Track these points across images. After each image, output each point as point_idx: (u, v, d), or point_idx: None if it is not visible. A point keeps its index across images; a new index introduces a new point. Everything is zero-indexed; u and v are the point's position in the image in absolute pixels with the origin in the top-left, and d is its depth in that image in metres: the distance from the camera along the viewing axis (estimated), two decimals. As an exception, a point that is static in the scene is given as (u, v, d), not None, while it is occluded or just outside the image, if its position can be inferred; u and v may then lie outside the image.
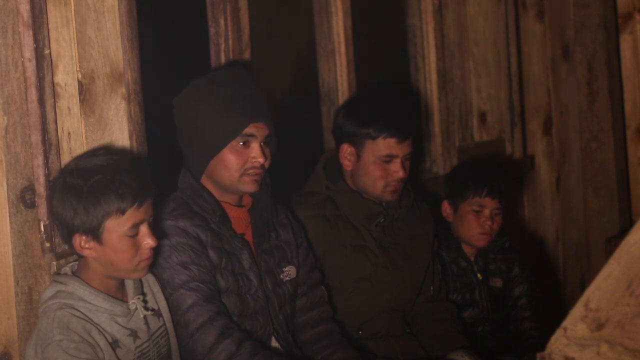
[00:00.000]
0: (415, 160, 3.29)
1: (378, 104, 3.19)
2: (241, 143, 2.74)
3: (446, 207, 3.54)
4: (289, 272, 2.89)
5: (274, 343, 2.82)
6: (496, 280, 3.58)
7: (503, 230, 3.58)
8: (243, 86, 2.76)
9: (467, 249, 3.54)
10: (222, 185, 2.78)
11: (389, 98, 3.25)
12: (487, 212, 3.46)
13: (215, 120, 2.72)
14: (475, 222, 3.47)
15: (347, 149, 3.17)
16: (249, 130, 2.73)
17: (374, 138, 3.11)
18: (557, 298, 4.74)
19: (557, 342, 1.93)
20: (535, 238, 4.68)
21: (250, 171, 2.74)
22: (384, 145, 3.11)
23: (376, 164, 3.13)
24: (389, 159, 3.12)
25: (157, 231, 2.57)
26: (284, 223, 2.94)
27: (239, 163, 2.74)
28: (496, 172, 3.61)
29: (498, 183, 3.49)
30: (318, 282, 3.01)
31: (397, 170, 3.12)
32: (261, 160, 2.74)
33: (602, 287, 1.90)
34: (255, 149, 2.74)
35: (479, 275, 3.54)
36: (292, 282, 2.90)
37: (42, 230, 2.62)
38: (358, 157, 3.15)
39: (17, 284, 2.58)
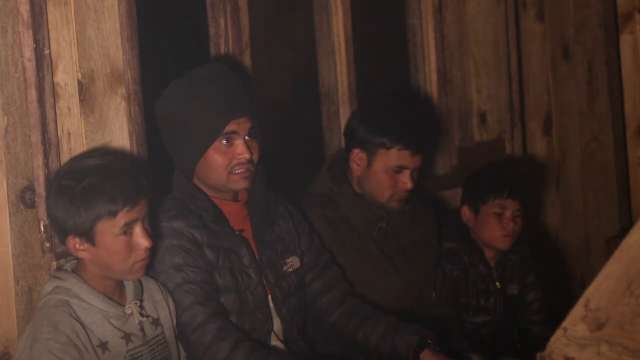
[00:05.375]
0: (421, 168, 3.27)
1: (395, 114, 3.17)
2: (224, 142, 2.71)
3: (466, 212, 3.52)
4: (292, 262, 2.89)
5: (274, 341, 2.82)
6: (513, 287, 3.58)
7: (527, 238, 3.58)
8: (220, 84, 2.73)
9: (488, 254, 3.53)
10: (213, 186, 2.77)
11: (407, 109, 3.24)
12: (508, 213, 3.45)
13: (194, 123, 2.69)
14: (497, 225, 3.46)
15: (358, 154, 3.17)
16: (230, 127, 2.70)
17: (388, 148, 3.12)
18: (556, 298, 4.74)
19: (557, 342, 1.93)
20: (535, 238, 4.68)
21: (237, 168, 2.72)
22: (396, 156, 3.12)
23: (386, 173, 3.14)
24: (400, 169, 3.13)
25: (154, 232, 2.57)
26: (284, 214, 2.94)
27: (224, 162, 2.72)
28: (516, 173, 3.62)
29: (518, 184, 3.49)
30: (330, 263, 3.01)
31: (406, 181, 3.13)
32: (247, 155, 2.71)
33: (602, 287, 1.90)
34: (239, 145, 2.71)
35: (497, 283, 3.54)
36: (296, 273, 2.89)
37: (42, 230, 2.62)
38: (369, 163, 3.15)
39: (17, 284, 2.58)
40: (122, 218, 2.42)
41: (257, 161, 2.77)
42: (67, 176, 2.45)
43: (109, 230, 2.42)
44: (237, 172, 2.73)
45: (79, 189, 2.41)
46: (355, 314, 2.95)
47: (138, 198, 2.44)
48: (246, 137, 2.73)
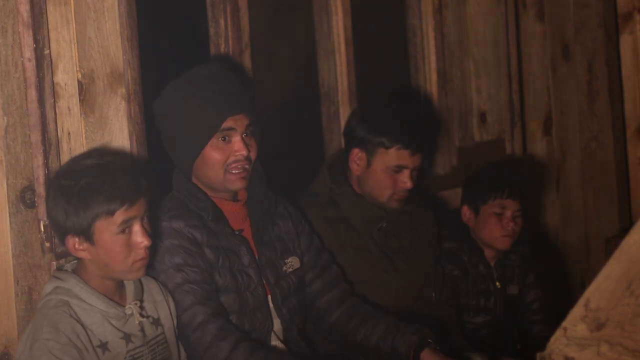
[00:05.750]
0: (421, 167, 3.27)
1: (395, 114, 3.17)
2: (222, 139, 2.70)
3: (466, 212, 3.52)
4: (292, 263, 2.89)
5: (274, 341, 2.82)
6: (513, 287, 3.58)
7: (527, 238, 3.58)
8: (219, 83, 2.73)
9: (488, 254, 3.53)
10: (211, 185, 2.77)
11: (406, 109, 3.24)
12: (508, 213, 3.45)
13: (192, 121, 2.69)
14: (497, 225, 3.45)
15: (357, 154, 3.17)
16: (227, 124, 2.70)
17: (387, 147, 3.12)
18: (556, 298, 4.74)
19: (557, 342, 1.93)
20: (535, 238, 4.68)
21: (234, 165, 2.72)
22: (396, 156, 3.12)
23: (386, 172, 3.13)
24: (399, 169, 3.13)
25: (154, 231, 2.57)
26: (283, 214, 2.94)
27: (222, 159, 2.71)
28: (516, 173, 3.63)
29: (518, 184, 3.49)
30: (329, 263, 3.01)
31: (405, 181, 3.13)
32: (244, 152, 2.71)
33: (602, 287, 1.90)
34: (236, 142, 2.71)
35: (497, 283, 3.54)
36: (295, 273, 2.89)
37: (42, 230, 2.62)
38: (368, 163, 3.15)
39: (17, 284, 2.58)
40: (120, 216, 2.42)
41: (254, 160, 2.77)
42: (66, 176, 2.46)
43: (107, 229, 2.42)
44: (233, 171, 2.73)
45: (77, 188, 2.41)
46: (355, 314, 2.95)
47: (136, 197, 2.44)
48: (244, 135, 2.73)
